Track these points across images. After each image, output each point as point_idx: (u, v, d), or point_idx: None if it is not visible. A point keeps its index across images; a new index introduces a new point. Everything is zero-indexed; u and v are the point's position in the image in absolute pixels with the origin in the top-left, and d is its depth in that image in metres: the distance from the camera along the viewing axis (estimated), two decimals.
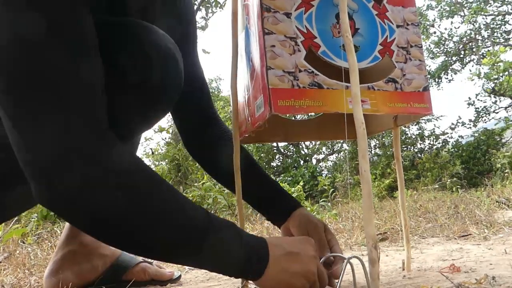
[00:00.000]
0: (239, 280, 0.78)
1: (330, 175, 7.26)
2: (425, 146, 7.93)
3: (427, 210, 2.01)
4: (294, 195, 4.16)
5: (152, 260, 0.94)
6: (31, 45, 0.45)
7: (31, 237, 1.81)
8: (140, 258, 0.92)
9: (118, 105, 0.57)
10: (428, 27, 11.14)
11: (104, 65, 0.51)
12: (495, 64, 6.77)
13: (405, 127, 7.34)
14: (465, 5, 10.85)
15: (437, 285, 0.67)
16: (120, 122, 0.60)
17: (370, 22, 0.66)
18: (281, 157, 9.51)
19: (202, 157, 0.89)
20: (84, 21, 0.48)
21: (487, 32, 10.63)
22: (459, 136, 8.53)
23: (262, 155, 8.90)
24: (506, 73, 7.02)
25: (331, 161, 9.50)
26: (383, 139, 8.03)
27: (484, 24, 10.58)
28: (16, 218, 2.00)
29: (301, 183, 5.51)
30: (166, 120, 5.61)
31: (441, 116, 9.65)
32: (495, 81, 7.79)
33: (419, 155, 7.48)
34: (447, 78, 11.37)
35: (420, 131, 8.11)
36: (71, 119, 0.46)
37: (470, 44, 10.90)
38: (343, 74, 0.58)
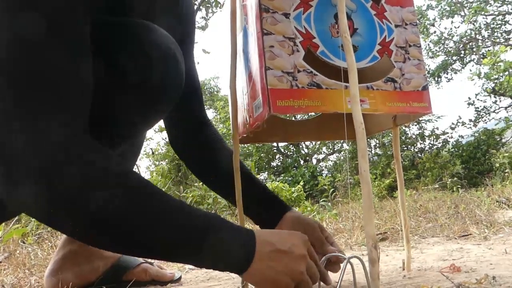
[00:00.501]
0: (239, 280, 0.78)
1: (330, 175, 7.26)
2: (425, 146, 7.93)
3: (427, 210, 2.01)
4: (294, 195, 4.17)
5: (153, 261, 0.94)
6: (31, 45, 0.45)
7: (31, 237, 1.81)
8: (141, 259, 0.92)
9: (118, 105, 0.57)
10: (428, 26, 11.14)
11: (104, 65, 0.51)
12: (495, 64, 6.76)
13: (405, 127, 7.34)
14: (465, 5, 10.84)
15: (437, 285, 0.67)
16: (120, 122, 0.60)
17: (369, 22, 0.66)
18: (281, 157, 9.51)
19: (194, 159, 0.89)
20: (83, 21, 0.48)
21: (487, 32, 10.63)
22: (459, 136, 8.54)
23: (262, 155, 8.91)
24: (506, 73, 7.01)
25: (331, 161, 9.51)
26: (383, 139, 8.03)
27: (484, 24, 10.58)
28: (16, 218, 2.00)
29: (301, 183, 5.52)
30: None
31: (442, 116, 9.65)
32: (495, 81, 7.79)
33: (419, 155, 7.48)
34: (447, 78, 11.38)
35: (420, 130, 8.11)
36: (71, 119, 0.46)
37: (470, 44, 10.90)
38: (342, 74, 0.59)
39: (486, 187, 3.55)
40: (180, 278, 0.93)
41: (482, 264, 0.82)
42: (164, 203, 0.51)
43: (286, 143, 9.10)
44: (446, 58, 11.24)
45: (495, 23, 10.55)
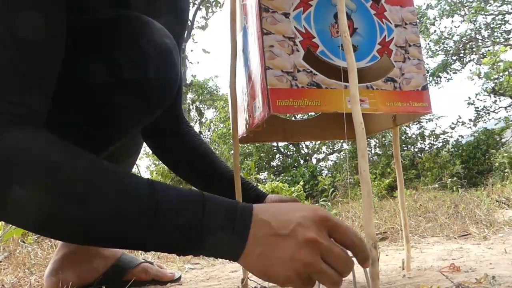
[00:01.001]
0: (239, 279, 0.78)
1: (330, 175, 7.26)
2: (425, 146, 7.94)
3: (427, 210, 2.01)
4: (294, 194, 4.17)
5: (153, 261, 0.94)
6: None
7: (31, 237, 1.81)
8: (141, 259, 0.92)
9: (114, 101, 0.57)
10: (428, 25, 11.14)
11: (99, 61, 0.51)
12: (495, 64, 6.77)
13: (405, 126, 7.34)
14: (466, 5, 10.85)
15: (437, 284, 0.67)
16: (114, 119, 0.60)
17: (369, 22, 0.66)
18: (281, 157, 9.51)
19: (171, 155, 0.92)
20: (50, 15, 0.47)
21: (487, 32, 10.63)
22: (459, 136, 8.53)
23: (262, 154, 8.90)
24: (506, 72, 7.02)
25: (331, 161, 9.51)
26: (383, 139, 8.03)
27: (484, 24, 10.58)
28: None
29: (301, 183, 5.52)
30: None
31: (442, 116, 9.65)
32: (495, 80, 7.79)
33: (419, 154, 7.48)
34: (447, 78, 11.38)
35: (420, 130, 8.11)
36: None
37: (470, 43, 10.91)
38: (342, 73, 0.59)
39: (486, 187, 3.55)
40: (180, 277, 0.93)
41: (481, 264, 0.82)
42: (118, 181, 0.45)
43: (286, 143, 9.10)
44: (446, 58, 11.25)
45: (495, 22, 10.55)
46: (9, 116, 0.43)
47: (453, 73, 11.37)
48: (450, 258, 0.93)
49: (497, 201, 2.12)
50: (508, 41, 10.37)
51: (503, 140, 7.52)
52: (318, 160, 9.52)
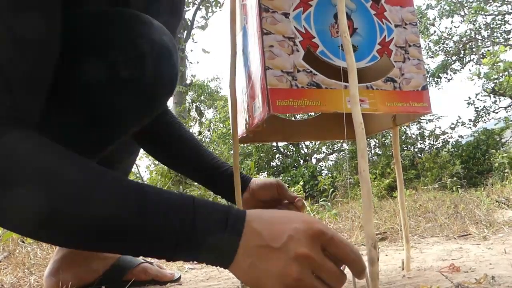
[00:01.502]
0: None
1: (330, 175, 7.26)
2: (425, 146, 7.94)
3: (427, 210, 2.01)
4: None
5: (153, 261, 0.94)
6: None
7: None
8: (141, 259, 0.92)
9: (113, 100, 0.56)
10: (428, 26, 11.14)
11: (96, 60, 0.51)
12: (495, 64, 6.76)
13: (405, 127, 7.34)
14: (465, 5, 10.85)
15: (436, 284, 0.67)
16: (115, 117, 0.59)
17: (369, 22, 0.66)
18: (281, 157, 9.51)
19: (157, 143, 0.90)
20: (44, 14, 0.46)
21: (487, 32, 10.63)
22: (459, 136, 8.55)
23: (262, 155, 8.91)
24: (506, 73, 7.02)
25: (331, 161, 9.51)
26: (383, 139, 8.04)
27: (484, 24, 10.59)
28: None
29: (301, 183, 5.52)
30: None
31: (441, 116, 9.65)
32: (495, 81, 7.79)
33: (419, 154, 7.48)
34: (447, 78, 11.39)
35: (420, 130, 8.12)
36: None
37: (470, 43, 10.91)
38: (342, 74, 0.59)
39: (486, 187, 3.55)
40: (179, 277, 0.93)
41: (481, 264, 0.82)
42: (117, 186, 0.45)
43: (286, 143, 9.10)
44: (446, 58, 11.25)
45: (495, 23, 10.56)
46: None
47: (453, 73, 11.39)
48: (450, 258, 0.93)
49: (496, 201, 2.12)
50: (508, 41, 10.37)
51: (503, 140, 7.53)
52: (318, 160, 9.52)
